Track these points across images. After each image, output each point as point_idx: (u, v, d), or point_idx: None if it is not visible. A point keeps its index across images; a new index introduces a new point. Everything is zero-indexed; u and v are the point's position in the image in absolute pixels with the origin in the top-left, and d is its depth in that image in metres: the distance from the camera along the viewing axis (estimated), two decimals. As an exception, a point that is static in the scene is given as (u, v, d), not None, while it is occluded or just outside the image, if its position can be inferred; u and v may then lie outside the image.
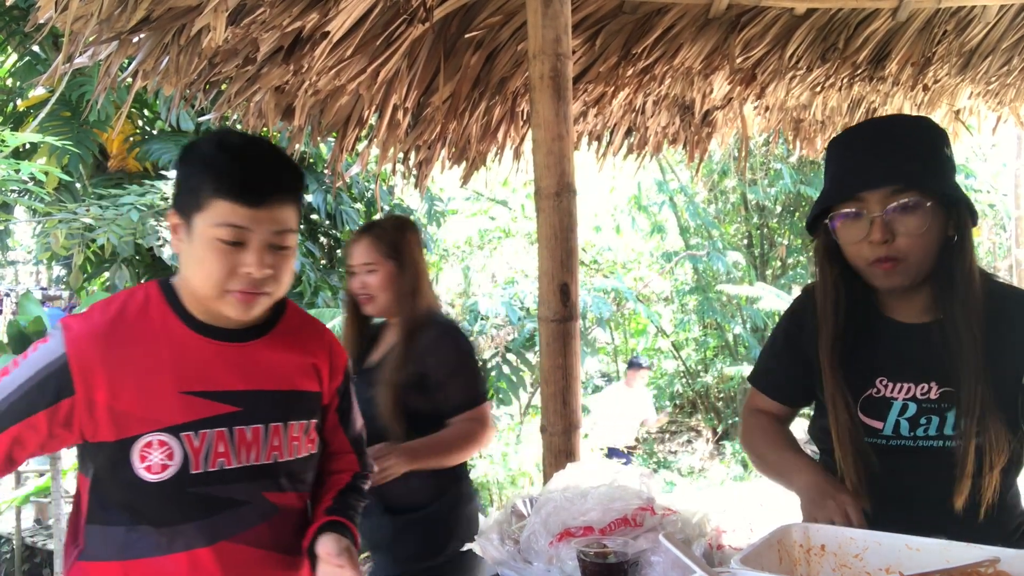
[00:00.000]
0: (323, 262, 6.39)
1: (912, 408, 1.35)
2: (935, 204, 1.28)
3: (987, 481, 1.29)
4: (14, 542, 4.97)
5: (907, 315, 1.39)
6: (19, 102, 5.78)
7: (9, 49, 5.50)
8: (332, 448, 1.45)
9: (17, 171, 3.87)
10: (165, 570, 1.21)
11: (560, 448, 2.04)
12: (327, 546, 1.27)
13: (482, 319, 6.98)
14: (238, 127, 2.95)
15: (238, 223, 1.18)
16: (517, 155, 3.17)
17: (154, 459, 1.18)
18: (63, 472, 4.05)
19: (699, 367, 10.16)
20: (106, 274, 5.67)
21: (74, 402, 1.17)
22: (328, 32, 2.27)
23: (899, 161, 1.30)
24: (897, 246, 1.28)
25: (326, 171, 5.98)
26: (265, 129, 2.75)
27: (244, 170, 1.19)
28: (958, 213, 1.30)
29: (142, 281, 5.64)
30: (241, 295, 1.21)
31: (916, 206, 1.27)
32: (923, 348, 1.35)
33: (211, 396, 1.23)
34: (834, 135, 3.47)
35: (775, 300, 8.20)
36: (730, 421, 9.60)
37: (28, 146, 4.99)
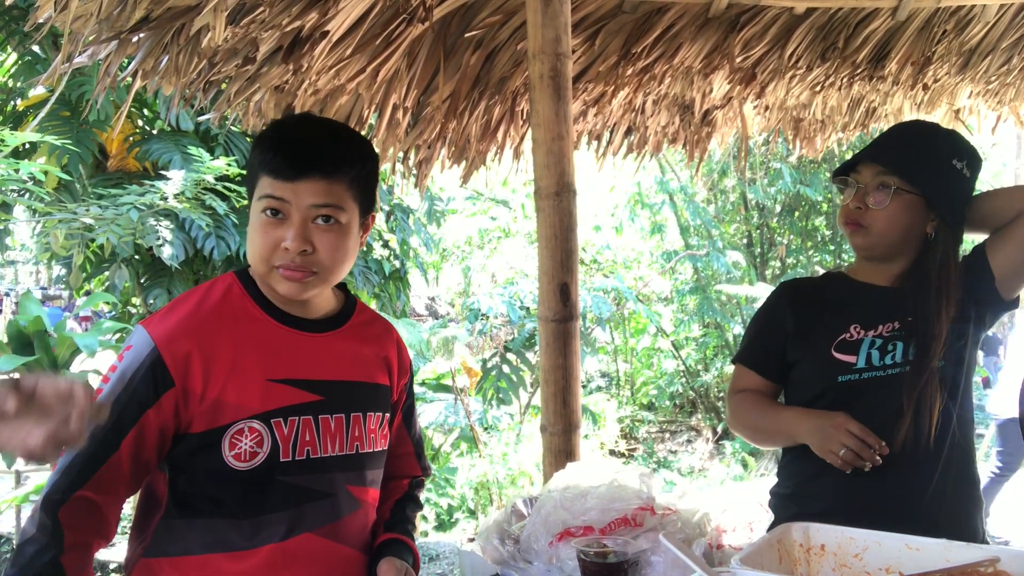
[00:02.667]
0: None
1: (880, 341, 1.52)
2: (915, 198, 1.49)
3: (934, 401, 1.44)
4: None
5: (879, 280, 1.58)
6: (19, 102, 5.77)
7: (9, 49, 5.49)
8: (396, 449, 1.43)
9: (17, 171, 3.87)
10: (243, 564, 1.19)
11: (560, 448, 2.04)
12: (388, 574, 1.27)
13: (482, 318, 6.98)
14: (238, 127, 2.94)
15: (276, 194, 1.18)
16: (517, 155, 3.16)
17: (244, 447, 1.17)
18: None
19: (699, 367, 10.15)
20: (106, 274, 5.66)
21: (175, 394, 1.16)
22: (328, 32, 2.27)
23: (899, 151, 1.54)
24: (864, 214, 1.52)
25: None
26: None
27: (286, 144, 1.19)
28: (941, 217, 1.51)
29: (141, 281, 5.65)
30: (285, 271, 1.20)
31: (891, 188, 1.49)
32: (892, 300, 1.54)
33: (295, 384, 1.22)
34: (834, 135, 3.51)
35: (775, 300, 8.17)
36: (730, 421, 9.58)
37: (28, 146, 4.98)
